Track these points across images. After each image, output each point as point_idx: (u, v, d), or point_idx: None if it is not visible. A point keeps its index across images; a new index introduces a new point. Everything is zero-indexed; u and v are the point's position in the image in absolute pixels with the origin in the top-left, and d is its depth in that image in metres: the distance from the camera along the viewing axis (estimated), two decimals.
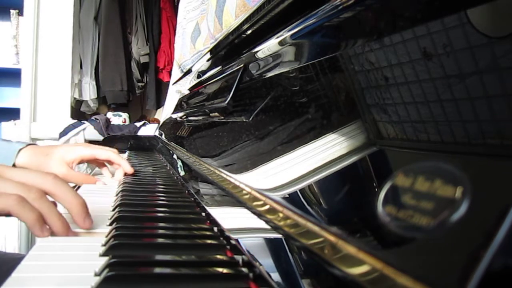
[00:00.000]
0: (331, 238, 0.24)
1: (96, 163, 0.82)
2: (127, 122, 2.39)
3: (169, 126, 1.25)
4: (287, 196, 0.33)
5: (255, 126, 0.48)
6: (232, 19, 0.73)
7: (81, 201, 0.41)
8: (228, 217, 0.44)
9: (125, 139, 1.38)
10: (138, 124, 2.24)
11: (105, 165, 0.83)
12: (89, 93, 2.33)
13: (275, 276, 0.29)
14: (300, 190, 0.32)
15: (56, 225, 0.39)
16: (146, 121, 2.32)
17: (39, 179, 0.41)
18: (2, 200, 0.37)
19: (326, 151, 0.31)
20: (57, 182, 0.41)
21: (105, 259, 0.32)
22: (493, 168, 0.18)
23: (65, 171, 0.70)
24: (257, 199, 0.37)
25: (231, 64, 0.71)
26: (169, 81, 1.85)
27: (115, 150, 0.79)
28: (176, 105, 1.32)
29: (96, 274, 0.30)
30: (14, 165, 0.71)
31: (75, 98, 2.32)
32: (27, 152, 0.72)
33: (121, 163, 0.76)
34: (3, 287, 0.28)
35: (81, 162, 0.75)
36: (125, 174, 0.76)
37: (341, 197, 0.28)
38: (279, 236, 0.31)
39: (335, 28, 0.38)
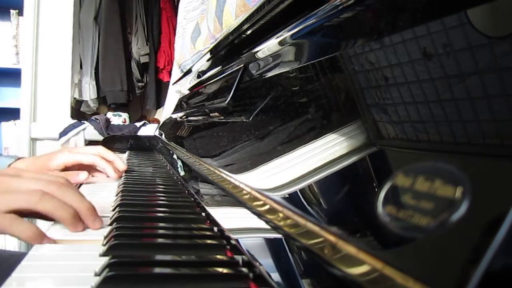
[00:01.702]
0: (331, 238, 0.24)
1: (86, 169, 0.77)
2: (127, 122, 2.39)
3: (169, 126, 1.25)
4: (287, 196, 0.33)
5: (255, 126, 0.48)
6: (232, 19, 0.73)
7: (88, 205, 0.43)
8: (228, 217, 0.44)
9: (125, 139, 1.38)
10: (138, 124, 2.24)
11: (97, 170, 0.78)
12: (89, 93, 2.32)
13: (275, 276, 0.29)
14: (300, 190, 0.32)
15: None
16: (146, 121, 2.32)
17: (45, 184, 0.42)
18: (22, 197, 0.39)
19: (326, 151, 0.31)
20: (62, 186, 0.42)
21: (105, 259, 0.32)
22: (493, 168, 0.18)
23: None
24: (257, 199, 0.37)
25: (231, 64, 0.71)
26: (169, 81, 1.85)
27: (102, 151, 0.75)
28: (176, 105, 1.32)
29: (96, 274, 0.30)
30: None
31: (75, 98, 2.32)
32: (15, 165, 0.73)
33: (106, 169, 0.73)
34: (3, 287, 0.28)
35: (65, 169, 0.72)
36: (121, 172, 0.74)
37: (341, 197, 0.28)
38: (279, 236, 0.31)
39: (335, 28, 0.38)
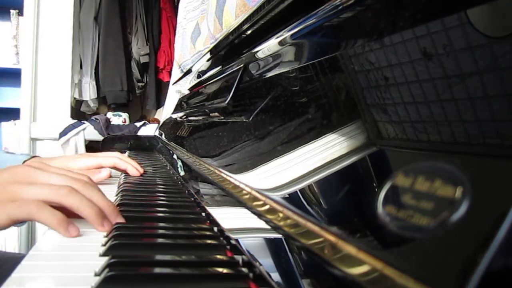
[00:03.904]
0: (331, 238, 0.24)
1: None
2: (127, 122, 2.39)
3: (169, 126, 1.25)
4: (287, 196, 0.33)
5: (255, 126, 0.48)
6: (232, 19, 0.73)
7: (111, 203, 0.43)
8: (228, 217, 0.44)
9: (125, 139, 1.38)
10: (138, 124, 2.24)
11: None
12: (89, 93, 2.32)
13: (275, 276, 0.29)
14: (300, 190, 0.32)
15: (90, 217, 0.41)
16: (146, 121, 2.32)
17: (71, 181, 0.42)
18: (23, 207, 0.39)
19: (326, 151, 0.31)
20: (87, 183, 0.43)
21: (105, 259, 0.32)
22: (493, 168, 0.18)
23: None
24: (257, 199, 0.37)
25: (231, 64, 0.71)
26: (169, 81, 1.85)
27: (118, 154, 0.78)
28: (176, 105, 1.32)
29: (96, 274, 0.30)
30: None
31: (75, 98, 2.32)
32: (30, 163, 0.73)
33: (127, 168, 0.76)
34: (3, 287, 0.28)
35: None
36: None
37: (341, 197, 0.28)
38: (279, 236, 0.31)
39: (335, 28, 0.38)
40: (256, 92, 0.53)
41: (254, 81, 0.55)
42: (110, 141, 1.35)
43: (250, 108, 0.52)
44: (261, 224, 0.34)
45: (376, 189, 0.23)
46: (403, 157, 0.24)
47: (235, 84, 0.59)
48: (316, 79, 0.38)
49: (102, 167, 0.76)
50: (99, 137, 2.02)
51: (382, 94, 0.27)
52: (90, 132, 2.06)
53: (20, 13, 2.27)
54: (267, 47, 0.53)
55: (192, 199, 0.57)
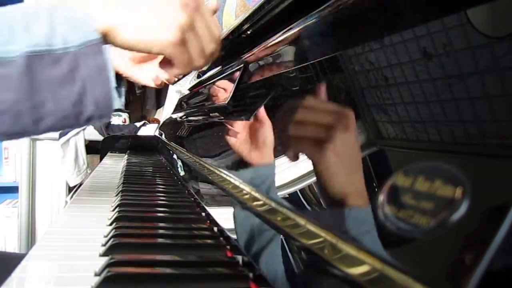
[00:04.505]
0: (331, 238, 0.24)
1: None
2: (127, 122, 2.38)
3: (169, 126, 1.25)
4: (287, 196, 0.33)
5: None
6: (232, 19, 0.73)
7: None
8: (228, 217, 0.44)
9: (125, 139, 1.38)
10: (138, 124, 2.24)
11: None
12: None
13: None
14: (300, 190, 0.32)
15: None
16: (146, 121, 2.32)
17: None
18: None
19: None
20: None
21: (105, 259, 0.32)
22: (493, 168, 0.18)
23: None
24: (257, 199, 0.37)
25: (231, 64, 0.71)
26: None
27: None
28: (176, 105, 1.32)
29: (96, 274, 0.30)
30: None
31: None
32: None
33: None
34: (3, 286, 0.28)
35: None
36: None
37: (341, 197, 0.28)
38: (279, 236, 0.31)
39: (335, 28, 0.38)
40: (256, 92, 0.53)
41: (254, 81, 0.55)
42: (110, 141, 1.35)
43: (250, 108, 0.52)
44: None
45: (376, 189, 0.23)
46: (403, 157, 0.24)
47: (235, 84, 0.59)
48: (316, 79, 0.38)
49: None
50: (99, 137, 2.02)
51: (382, 94, 0.27)
52: (90, 132, 2.06)
53: None
54: (267, 47, 0.53)
55: (192, 199, 0.57)
